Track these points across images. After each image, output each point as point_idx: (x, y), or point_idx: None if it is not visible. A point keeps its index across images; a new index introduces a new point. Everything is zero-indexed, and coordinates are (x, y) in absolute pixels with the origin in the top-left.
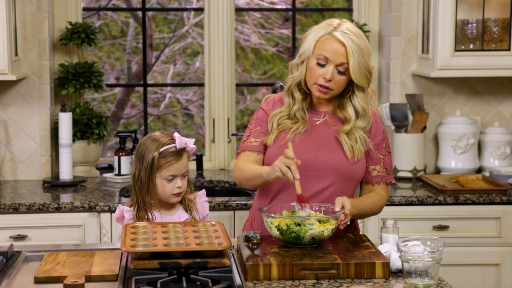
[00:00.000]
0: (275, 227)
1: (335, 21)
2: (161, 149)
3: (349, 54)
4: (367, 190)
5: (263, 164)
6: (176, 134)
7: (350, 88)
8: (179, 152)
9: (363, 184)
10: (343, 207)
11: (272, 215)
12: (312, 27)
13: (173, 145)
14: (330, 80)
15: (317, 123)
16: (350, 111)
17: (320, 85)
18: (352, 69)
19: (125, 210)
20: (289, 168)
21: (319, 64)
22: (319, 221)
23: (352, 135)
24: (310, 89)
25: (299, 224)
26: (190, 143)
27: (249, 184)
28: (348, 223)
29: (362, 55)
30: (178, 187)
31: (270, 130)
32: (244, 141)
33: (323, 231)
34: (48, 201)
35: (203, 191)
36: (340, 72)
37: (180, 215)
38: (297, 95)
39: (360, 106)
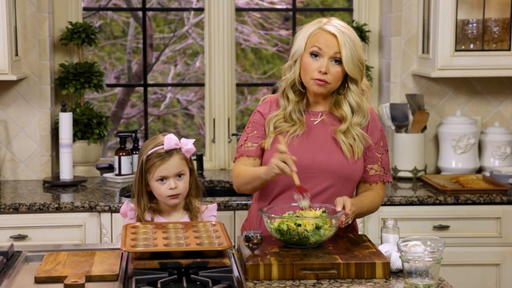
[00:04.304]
0: (275, 229)
1: (324, 19)
2: (149, 152)
3: (341, 45)
4: (364, 189)
5: None
6: (168, 136)
7: (345, 84)
8: (167, 153)
9: (360, 183)
10: (343, 207)
11: (273, 215)
12: (301, 26)
13: (162, 146)
14: (325, 73)
15: (315, 123)
16: (345, 109)
17: (317, 79)
18: (345, 59)
19: (129, 208)
20: (285, 162)
21: (313, 55)
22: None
23: (349, 134)
24: (307, 86)
25: (299, 225)
26: (186, 144)
27: (248, 188)
28: (350, 222)
29: (354, 46)
30: (171, 189)
31: (267, 133)
32: (241, 145)
33: (324, 232)
34: (49, 201)
35: (214, 206)
36: (335, 61)
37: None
38: (292, 96)
39: (355, 101)
